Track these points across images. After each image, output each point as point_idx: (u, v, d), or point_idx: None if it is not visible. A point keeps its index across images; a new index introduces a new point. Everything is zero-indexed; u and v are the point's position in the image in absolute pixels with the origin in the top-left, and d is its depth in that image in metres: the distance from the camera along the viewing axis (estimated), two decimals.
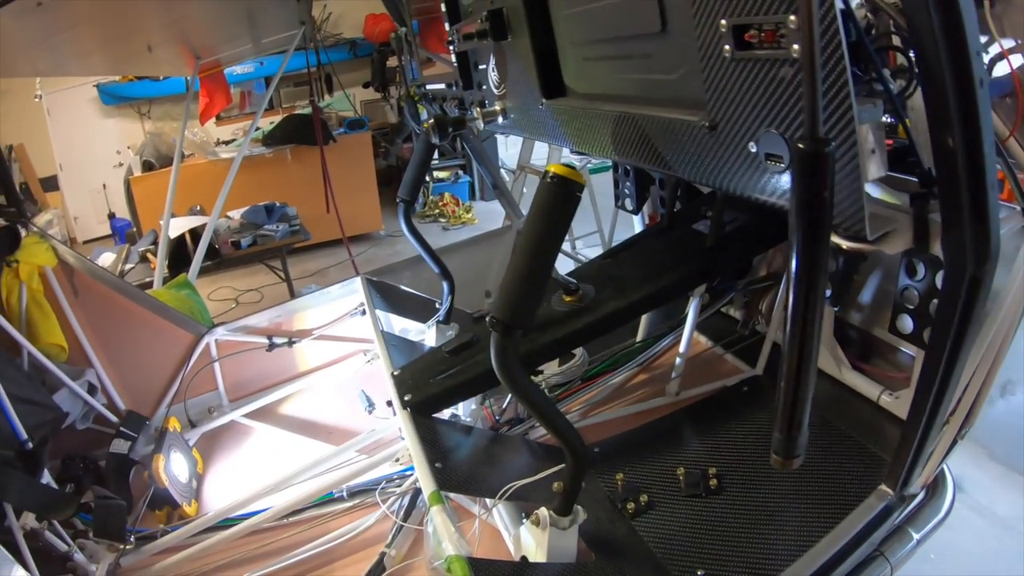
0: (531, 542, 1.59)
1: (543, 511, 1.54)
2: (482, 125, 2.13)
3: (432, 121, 2.15)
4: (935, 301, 1.72)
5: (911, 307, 1.81)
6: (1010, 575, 2.78)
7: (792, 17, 0.96)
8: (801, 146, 0.87)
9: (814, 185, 0.88)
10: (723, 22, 1.10)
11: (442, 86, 2.65)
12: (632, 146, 1.57)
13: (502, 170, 8.63)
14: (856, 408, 2.03)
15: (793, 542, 1.60)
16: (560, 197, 1.35)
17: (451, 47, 2.26)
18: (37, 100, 7.22)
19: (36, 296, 2.61)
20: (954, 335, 1.18)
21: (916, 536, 1.84)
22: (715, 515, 1.77)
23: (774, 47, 1.03)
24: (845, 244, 1.18)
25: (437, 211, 7.85)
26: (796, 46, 0.97)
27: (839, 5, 0.92)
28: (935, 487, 1.93)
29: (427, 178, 8.12)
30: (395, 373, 2.06)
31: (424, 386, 1.94)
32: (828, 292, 1.93)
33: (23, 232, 2.67)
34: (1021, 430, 3.43)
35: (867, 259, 1.89)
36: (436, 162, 8.20)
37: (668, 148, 1.44)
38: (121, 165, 8.11)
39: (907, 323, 1.85)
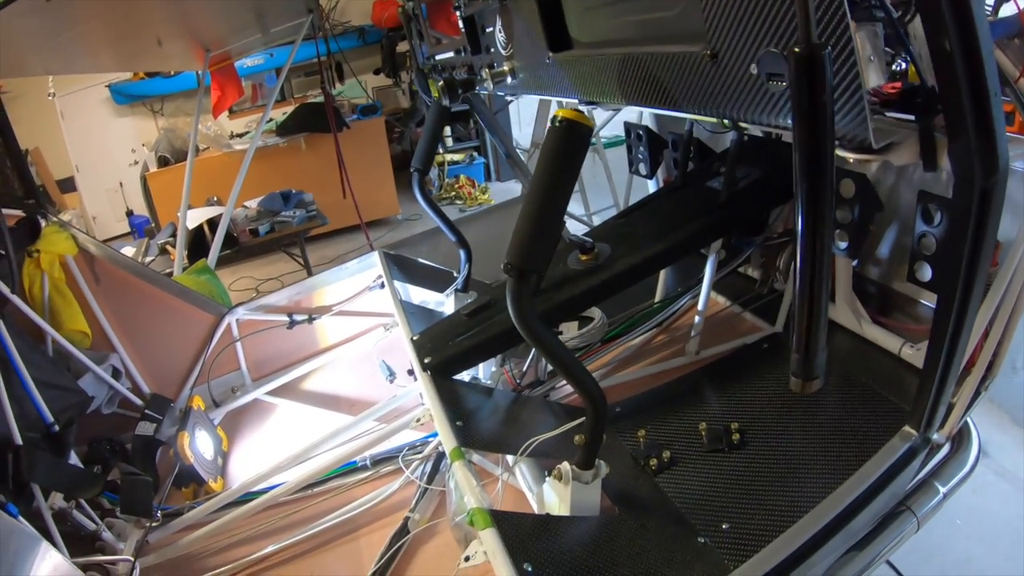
0: (554, 498, 1.59)
1: (565, 465, 1.54)
2: (492, 86, 2.13)
3: (442, 84, 2.15)
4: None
5: (928, 254, 1.77)
6: None
7: None
8: (796, 50, 0.89)
9: (812, 89, 0.90)
10: None
11: (450, 54, 2.64)
12: (638, 87, 1.58)
13: (517, 151, 8.67)
14: (878, 361, 2.01)
15: (818, 489, 1.58)
16: (569, 140, 1.35)
17: (458, 11, 2.26)
18: (51, 99, 7.26)
19: (58, 284, 2.64)
20: (968, 254, 1.16)
21: (942, 490, 1.84)
22: (738, 469, 1.77)
23: None
24: (852, 156, 1.18)
25: (453, 193, 7.84)
26: None
27: None
28: (960, 440, 1.92)
29: (443, 160, 8.15)
30: (414, 338, 2.07)
31: (443, 348, 1.95)
32: (845, 244, 1.91)
33: (43, 223, 2.69)
34: None
35: (883, 209, 1.86)
36: (451, 145, 8.23)
37: (673, 83, 1.45)
38: (137, 163, 8.16)
39: (925, 270, 1.82)
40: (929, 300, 1.95)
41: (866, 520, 1.56)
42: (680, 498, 1.71)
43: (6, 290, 2.27)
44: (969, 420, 1.93)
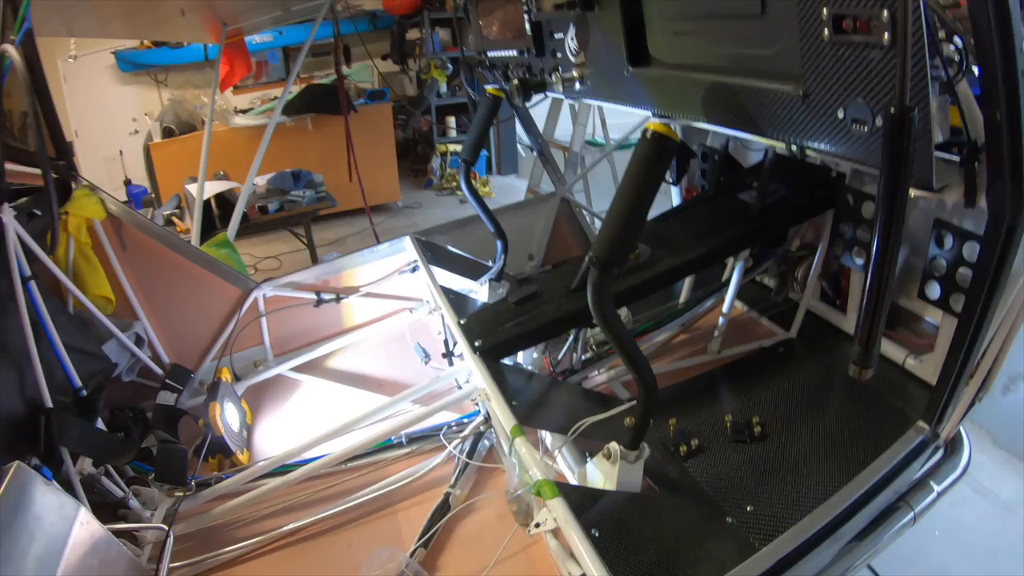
0: (599, 476, 1.71)
1: (614, 445, 1.66)
2: (561, 89, 2.24)
3: (516, 83, 2.26)
4: (960, 270, 1.87)
5: (939, 275, 1.96)
6: (1009, 554, 2.88)
7: (885, 12, 1.17)
8: (892, 110, 1.10)
9: (901, 141, 1.12)
10: (824, 11, 1.30)
11: (509, 53, 2.75)
12: (721, 110, 1.73)
13: (519, 146, 8.79)
14: (884, 370, 2.14)
15: (832, 477, 1.74)
16: (657, 152, 1.49)
17: (526, 16, 2.36)
18: (71, 61, 7.20)
19: (84, 249, 2.62)
20: (992, 274, 1.36)
21: (937, 488, 1.98)
22: (760, 458, 1.91)
23: (867, 34, 1.24)
24: (915, 193, 1.36)
25: (454, 184, 7.92)
26: (887, 35, 1.19)
27: (923, 6, 1.12)
28: (954, 445, 2.06)
29: (445, 150, 8.23)
30: (462, 322, 2.18)
31: (492, 333, 2.07)
32: (861, 260, 2.04)
33: (73, 185, 2.67)
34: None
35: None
36: (455, 135, 8.31)
37: (759, 113, 1.61)
38: (137, 132, 8.12)
39: (935, 289, 1.99)
40: (934, 316, 2.09)
41: (875, 508, 1.69)
42: (707, 482, 1.84)
43: (39, 250, 2.26)
44: (961, 428, 2.08)
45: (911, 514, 1.93)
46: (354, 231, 6.69)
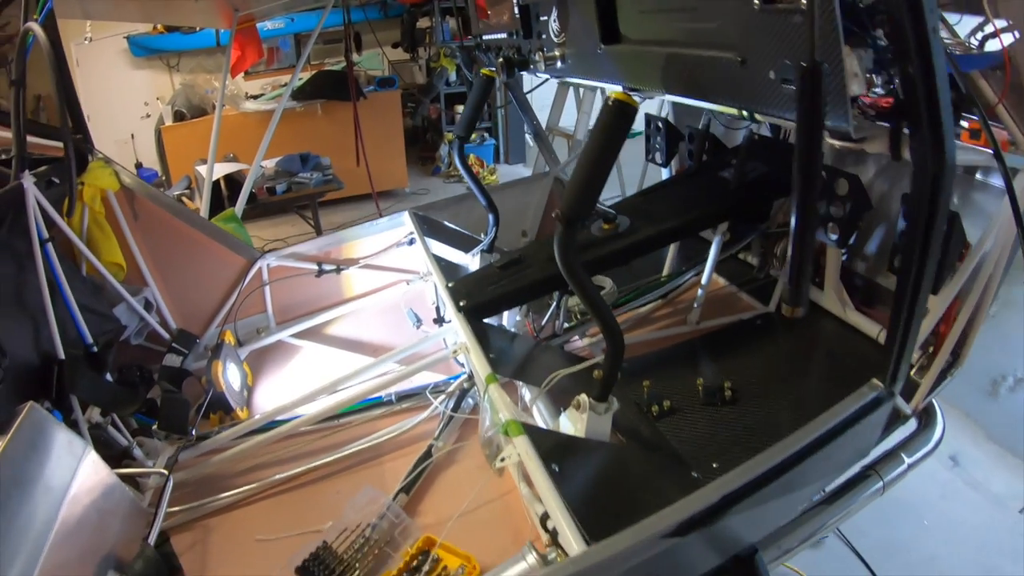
0: (570, 427, 1.83)
1: (583, 396, 1.78)
2: (543, 67, 2.37)
3: (501, 61, 2.40)
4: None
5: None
6: (999, 547, 2.95)
7: None
8: (803, 64, 1.23)
9: (812, 92, 1.25)
10: None
11: (500, 36, 2.87)
12: (677, 80, 1.86)
13: (528, 136, 8.86)
14: (857, 343, 2.24)
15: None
16: (618, 115, 1.60)
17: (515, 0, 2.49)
18: (86, 43, 7.33)
19: (97, 218, 2.72)
20: (924, 229, 1.42)
21: (907, 460, 2.10)
22: (729, 421, 2.01)
23: (789, 2, 1.38)
24: (837, 143, 1.57)
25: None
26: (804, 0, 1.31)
27: None
28: (927, 420, 2.17)
29: (454, 137, 8.27)
30: (450, 284, 2.30)
31: (476, 294, 2.20)
32: (835, 236, 2.13)
33: (89, 157, 2.78)
34: (1019, 415, 3.65)
35: (872, 208, 2.08)
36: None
37: (707, 80, 1.75)
38: (149, 116, 8.25)
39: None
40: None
41: (833, 458, 1.74)
42: (677, 440, 1.95)
43: (56, 215, 2.37)
44: (936, 405, 2.18)
45: (880, 483, 2.04)
46: (362, 215, 6.79)
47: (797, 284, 1.39)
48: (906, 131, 1.43)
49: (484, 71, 2.63)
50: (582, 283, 1.65)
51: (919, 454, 2.13)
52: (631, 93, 1.68)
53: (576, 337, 2.51)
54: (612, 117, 1.60)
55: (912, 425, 2.15)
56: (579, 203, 1.60)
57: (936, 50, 1.24)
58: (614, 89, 1.91)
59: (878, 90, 1.53)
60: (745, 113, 1.77)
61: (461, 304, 2.17)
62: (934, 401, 2.17)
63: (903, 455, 2.11)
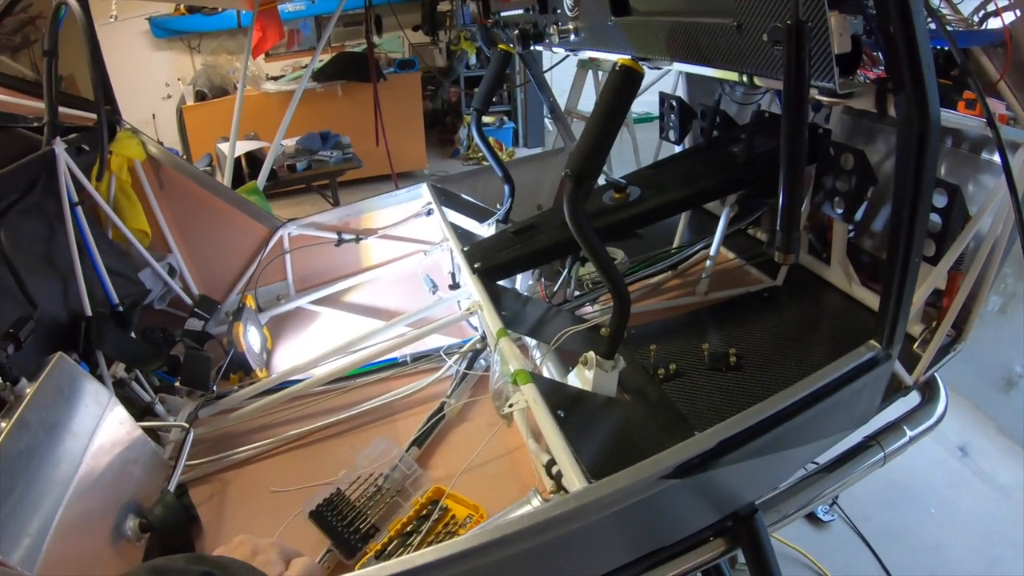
0: (577, 384, 1.90)
1: (591, 353, 1.85)
2: (557, 40, 2.44)
3: (517, 33, 2.46)
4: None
5: None
6: (1004, 536, 3.02)
7: None
8: (789, 22, 1.31)
9: (798, 48, 1.32)
10: None
11: (517, 12, 2.95)
12: (682, 48, 1.94)
13: (547, 120, 8.90)
14: (862, 317, 2.28)
15: None
16: (624, 80, 1.69)
17: None
18: (112, 20, 7.43)
19: (124, 186, 2.79)
20: (912, 187, 1.48)
21: (909, 433, 2.15)
22: (733, 386, 2.07)
23: None
24: (825, 100, 1.67)
25: (480, 155, 8.08)
26: None
27: None
28: (930, 395, 2.22)
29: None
30: (465, 249, 2.38)
31: (491, 257, 2.28)
32: (841, 210, 2.18)
33: (118, 128, 2.88)
34: None
35: (877, 183, 2.14)
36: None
37: (708, 46, 1.83)
38: (170, 97, 8.38)
39: None
40: None
41: (831, 417, 1.82)
42: (682, 402, 2.01)
43: (85, 181, 2.46)
44: (940, 381, 2.23)
45: (881, 454, 2.09)
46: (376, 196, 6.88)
47: (788, 230, 1.47)
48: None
49: (501, 46, 2.71)
50: (590, 239, 1.72)
51: (921, 427, 2.17)
52: (641, 63, 1.74)
53: (587, 304, 2.58)
54: (619, 81, 1.69)
55: (915, 399, 2.21)
56: (587, 162, 1.68)
57: (916, 10, 1.30)
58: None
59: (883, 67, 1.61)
60: (745, 79, 1.83)
61: (476, 266, 2.26)
62: (938, 377, 2.22)
63: (905, 427, 2.15)
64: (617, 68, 1.68)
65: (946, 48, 1.69)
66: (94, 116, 2.68)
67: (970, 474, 3.39)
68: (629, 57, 1.79)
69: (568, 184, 1.67)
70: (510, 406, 1.71)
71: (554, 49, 2.82)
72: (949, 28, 1.61)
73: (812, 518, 3.16)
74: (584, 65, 5.90)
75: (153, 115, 8.34)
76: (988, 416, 3.71)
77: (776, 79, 1.66)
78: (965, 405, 3.75)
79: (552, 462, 1.60)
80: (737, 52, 1.71)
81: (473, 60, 8.33)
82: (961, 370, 2.12)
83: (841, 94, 1.59)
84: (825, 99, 1.66)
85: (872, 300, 2.29)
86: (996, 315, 3.74)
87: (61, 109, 2.41)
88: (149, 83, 8.27)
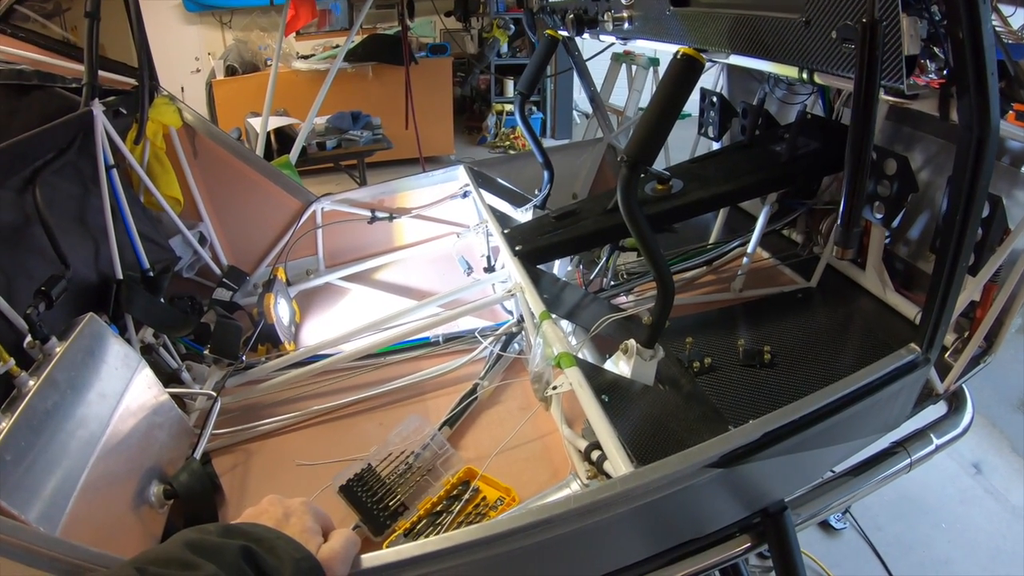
0: (614, 371, 1.89)
1: (631, 341, 1.85)
2: (611, 27, 2.43)
3: (572, 17, 2.46)
4: None
5: None
6: (1012, 557, 3.01)
7: None
8: (864, 20, 1.32)
9: (871, 47, 1.33)
10: None
11: None
12: (743, 41, 1.93)
13: (575, 112, 8.91)
14: (895, 323, 2.28)
15: None
16: (686, 69, 1.71)
17: None
18: None
19: (158, 153, 2.79)
20: (968, 187, 1.48)
21: (936, 441, 2.15)
22: (767, 382, 2.07)
23: None
24: (890, 100, 1.63)
25: (508, 143, 8.10)
26: None
27: None
28: (957, 405, 2.21)
29: (501, 109, 8.42)
30: (506, 231, 2.38)
31: (532, 240, 2.28)
32: (881, 215, 2.17)
33: (155, 94, 2.85)
34: None
35: (918, 191, 2.12)
36: (512, 96, 8.41)
37: (772, 40, 1.81)
38: (199, 71, 8.39)
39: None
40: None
41: (868, 417, 1.80)
42: (715, 396, 2.01)
43: (122, 144, 2.48)
44: (968, 392, 2.22)
45: (908, 460, 2.09)
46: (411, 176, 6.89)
47: (848, 225, 1.48)
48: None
49: (549, 31, 2.70)
50: (640, 226, 1.72)
51: (948, 436, 2.17)
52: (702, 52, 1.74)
53: (622, 295, 2.58)
54: (680, 70, 1.70)
55: (942, 408, 2.21)
56: (644, 148, 1.69)
57: (985, 17, 1.30)
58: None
59: (932, 75, 1.60)
60: (805, 75, 1.82)
61: (517, 248, 2.26)
62: (965, 388, 2.21)
63: (932, 435, 2.15)
64: (679, 56, 1.70)
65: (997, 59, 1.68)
66: (130, 81, 2.75)
67: (982, 491, 3.38)
68: (689, 47, 1.78)
69: (623, 169, 1.67)
70: (553, 388, 1.71)
71: (602, 37, 2.79)
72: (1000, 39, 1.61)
73: (824, 524, 3.15)
74: (618, 59, 5.92)
75: (182, 88, 8.32)
76: (1004, 435, 3.70)
77: (840, 76, 1.66)
78: (981, 422, 3.73)
79: (591, 448, 1.61)
80: (802, 48, 1.70)
81: (504, 48, 8.32)
82: (979, 387, 2.12)
83: (908, 95, 1.57)
84: (890, 99, 1.64)
85: (905, 307, 2.29)
86: (1015, 335, 3.72)
87: (99, 72, 2.44)
88: (179, 56, 8.28)
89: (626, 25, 2.43)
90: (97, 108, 2.33)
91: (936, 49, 1.53)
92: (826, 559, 2.99)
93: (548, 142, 8.21)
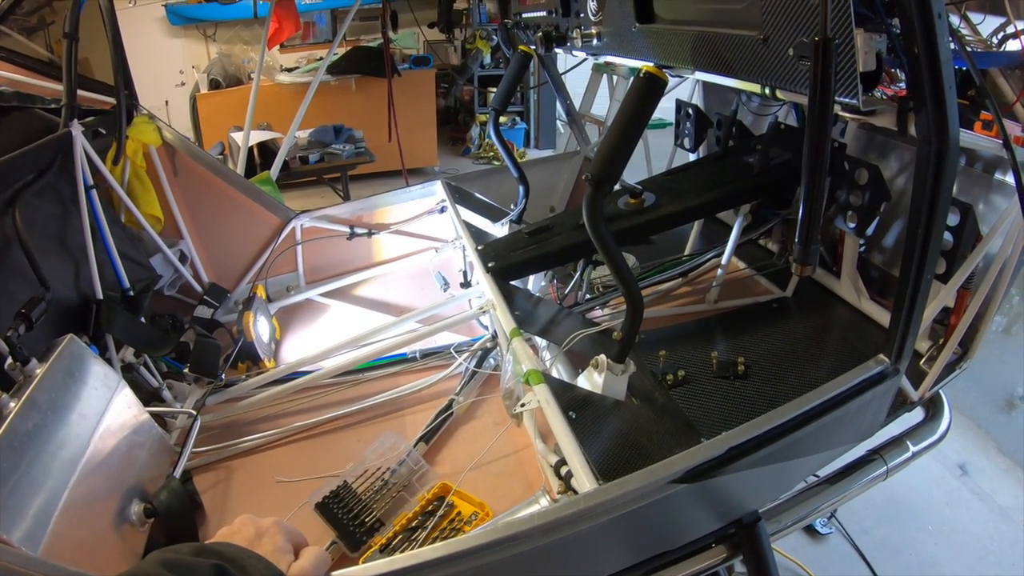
0: (587, 386, 1.91)
1: (602, 356, 1.86)
2: (580, 44, 2.46)
3: (540, 35, 2.48)
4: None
5: None
6: (1000, 558, 3.03)
7: None
8: (816, 39, 1.32)
9: (824, 64, 1.33)
10: None
11: (540, 13, 2.95)
12: (706, 57, 1.95)
13: (559, 122, 8.94)
14: (870, 332, 2.29)
15: None
16: (648, 87, 1.73)
17: None
18: (131, 6, 7.43)
19: (139, 171, 2.79)
20: (928, 203, 1.49)
21: (912, 448, 2.15)
22: (740, 394, 2.09)
23: None
24: (848, 116, 1.70)
25: (492, 154, 8.12)
26: None
27: None
28: (934, 411, 2.23)
29: (485, 119, 8.38)
30: (479, 248, 2.39)
31: (504, 257, 2.30)
32: (854, 224, 2.18)
33: (134, 113, 2.84)
34: None
35: (890, 199, 2.14)
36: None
37: (733, 57, 1.83)
38: (183, 85, 8.40)
39: None
40: None
41: (838, 428, 1.82)
42: (689, 409, 2.02)
43: (101, 164, 2.48)
44: (945, 398, 2.24)
45: (884, 468, 2.10)
46: (388, 191, 6.90)
47: (806, 242, 1.48)
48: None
49: (522, 47, 2.73)
50: (607, 243, 1.73)
51: (924, 443, 2.18)
52: (663, 70, 1.76)
53: (597, 308, 2.59)
54: (643, 88, 1.72)
55: (919, 415, 2.22)
56: (608, 166, 1.70)
57: (941, 32, 1.32)
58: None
59: (902, 84, 1.63)
60: (767, 91, 1.85)
61: (489, 265, 2.27)
62: (943, 395, 2.22)
63: (908, 443, 2.16)
64: (642, 75, 1.71)
65: (964, 68, 1.70)
66: (110, 100, 2.72)
67: (969, 493, 3.39)
68: (652, 64, 1.80)
69: (588, 188, 1.69)
70: (522, 406, 1.73)
71: (574, 53, 2.82)
72: (968, 49, 1.63)
73: (810, 530, 3.16)
74: (599, 69, 5.94)
75: (166, 102, 8.36)
76: (989, 436, 3.72)
77: (799, 93, 1.68)
78: (966, 424, 3.76)
79: (561, 463, 1.62)
80: (762, 65, 1.72)
81: (488, 59, 8.36)
82: (963, 389, 2.14)
83: (864, 111, 1.60)
84: (847, 115, 1.66)
85: (880, 315, 2.30)
86: (1000, 335, 3.74)
87: (78, 92, 2.43)
88: (163, 70, 8.29)
89: (595, 42, 2.46)
90: (76, 129, 2.33)
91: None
92: (813, 564, 3.00)
93: (532, 153, 8.28)
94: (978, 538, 3.13)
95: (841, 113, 1.71)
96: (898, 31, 1.44)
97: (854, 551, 3.08)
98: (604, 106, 5.72)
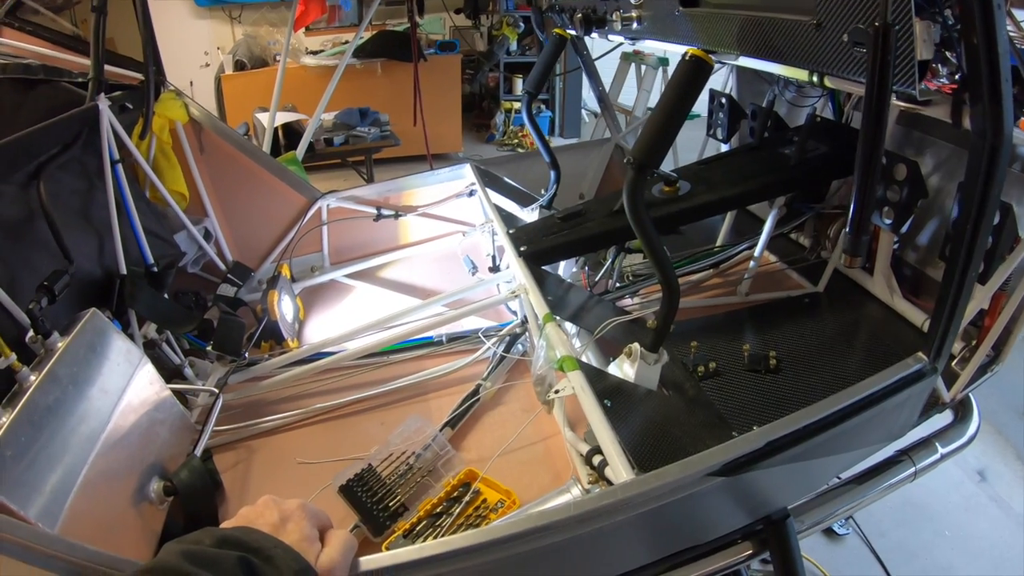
0: (619, 375, 1.88)
1: (635, 345, 1.84)
2: (619, 27, 2.41)
3: (580, 16, 2.44)
4: None
5: None
6: (1016, 565, 2.99)
7: None
8: (877, 24, 1.29)
9: (883, 51, 1.31)
10: None
11: None
12: (753, 42, 1.91)
13: (583, 111, 8.90)
14: (902, 330, 2.25)
15: None
16: (694, 71, 1.68)
17: None
18: None
19: (164, 148, 2.77)
20: (979, 199, 1.45)
21: (941, 450, 2.12)
22: (772, 388, 2.05)
23: None
24: (902, 105, 1.63)
25: (516, 141, 8.09)
26: None
27: None
28: (963, 414, 2.19)
29: (510, 107, 8.40)
30: (511, 231, 2.36)
31: (537, 241, 2.26)
32: (890, 221, 2.14)
33: (161, 89, 2.82)
34: None
35: (927, 196, 2.10)
36: (520, 94, 8.40)
37: (782, 43, 1.79)
38: (208, 66, 8.40)
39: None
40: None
41: (874, 425, 1.78)
42: (720, 401, 1.99)
43: (127, 139, 2.46)
44: (974, 401, 2.20)
45: (912, 468, 2.06)
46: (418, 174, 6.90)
47: (857, 233, 1.46)
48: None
49: (557, 30, 2.69)
50: (646, 228, 1.70)
51: (953, 445, 2.14)
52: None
53: (627, 296, 2.56)
54: (688, 71, 1.68)
55: (948, 417, 2.18)
56: (651, 150, 1.67)
57: (1000, 23, 1.28)
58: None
59: (943, 80, 1.58)
60: (815, 78, 1.81)
61: (521, 249, 2.24)
62: (972, 397, 2.19)
63: (937, 444, 2.12)
64: (687, 58, 1.67)
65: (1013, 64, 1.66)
66: (137, 75, 2.72)
67: (987, 499, 3.36)
68: (698, 48, 1.76)
69: (629, 171, 1.66)
70: (555, 392, 1.70)
71: (610, 37, 2.77)
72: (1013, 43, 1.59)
73: (827, 530, 3.14)
74: (627, 58, 5.91)
75: (191, 82, 8.34)
76: (1009, 442, 3.68)
77: (850, 80, 1.64)
78: (986, 429, 3.71)
79: (593, 452, 1.59)
80: (813, 51, 1.68)
81: (514, 46, 8.31)
82: (985, 394, 2.10)
83: (920, 100, 1.56)
84: (903, 104, 1.62)
85: (913, 313, 2.26)
86: (1021, 341, 3.70)
87: (105, 67, 2.42)
88: (188, 51, 8.29)
89: (635, 25, 2.41)
90: (103, 103, 2.31)
91: (948, 54, 1.52)
92: (828, 565, 2.98)
93: (556, 141, 8.24)
94: (995, 545, 3.10)
95: (896, 102, 1.66)
96: (952, 22, 1.41)
97: (870, 553, 3.06)
98: (631, 95, 5.68)
